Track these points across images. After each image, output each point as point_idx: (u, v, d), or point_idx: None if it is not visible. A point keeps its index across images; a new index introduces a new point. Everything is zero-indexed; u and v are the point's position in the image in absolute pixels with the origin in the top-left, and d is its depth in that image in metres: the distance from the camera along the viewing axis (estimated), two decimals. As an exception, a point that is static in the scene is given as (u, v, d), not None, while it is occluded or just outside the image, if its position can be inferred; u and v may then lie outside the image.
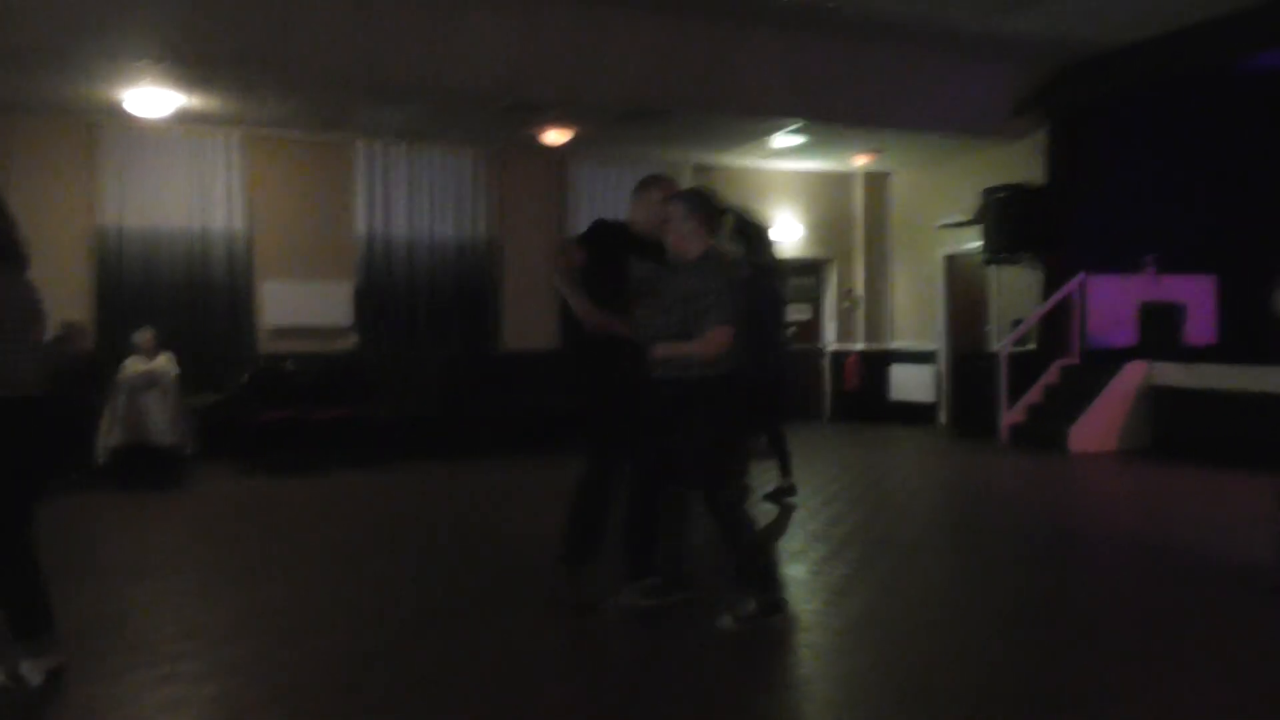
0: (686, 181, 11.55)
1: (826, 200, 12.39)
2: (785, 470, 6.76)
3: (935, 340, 12.10)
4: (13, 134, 8.92)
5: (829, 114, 9.73)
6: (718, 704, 3.19)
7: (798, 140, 10.43)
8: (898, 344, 12.66)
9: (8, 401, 3.24)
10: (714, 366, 3.80)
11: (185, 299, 9.50)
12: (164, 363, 8.08)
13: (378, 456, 8.88)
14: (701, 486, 3.91)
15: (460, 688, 3.32)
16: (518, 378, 10.35)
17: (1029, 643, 3.83)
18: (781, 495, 6.70)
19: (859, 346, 12.59)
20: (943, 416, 11.90)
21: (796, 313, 11.91)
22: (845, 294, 12.62)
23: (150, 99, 8.33)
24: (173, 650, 3.68)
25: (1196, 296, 9.95)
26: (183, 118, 9.11)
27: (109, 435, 7.62)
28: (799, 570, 4.88)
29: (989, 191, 10.55)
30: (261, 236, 9.90)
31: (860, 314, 12.77)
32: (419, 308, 10.48)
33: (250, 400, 8.94)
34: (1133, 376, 9.42)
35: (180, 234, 9.53)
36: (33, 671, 3.29)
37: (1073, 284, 9.98)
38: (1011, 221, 10.32)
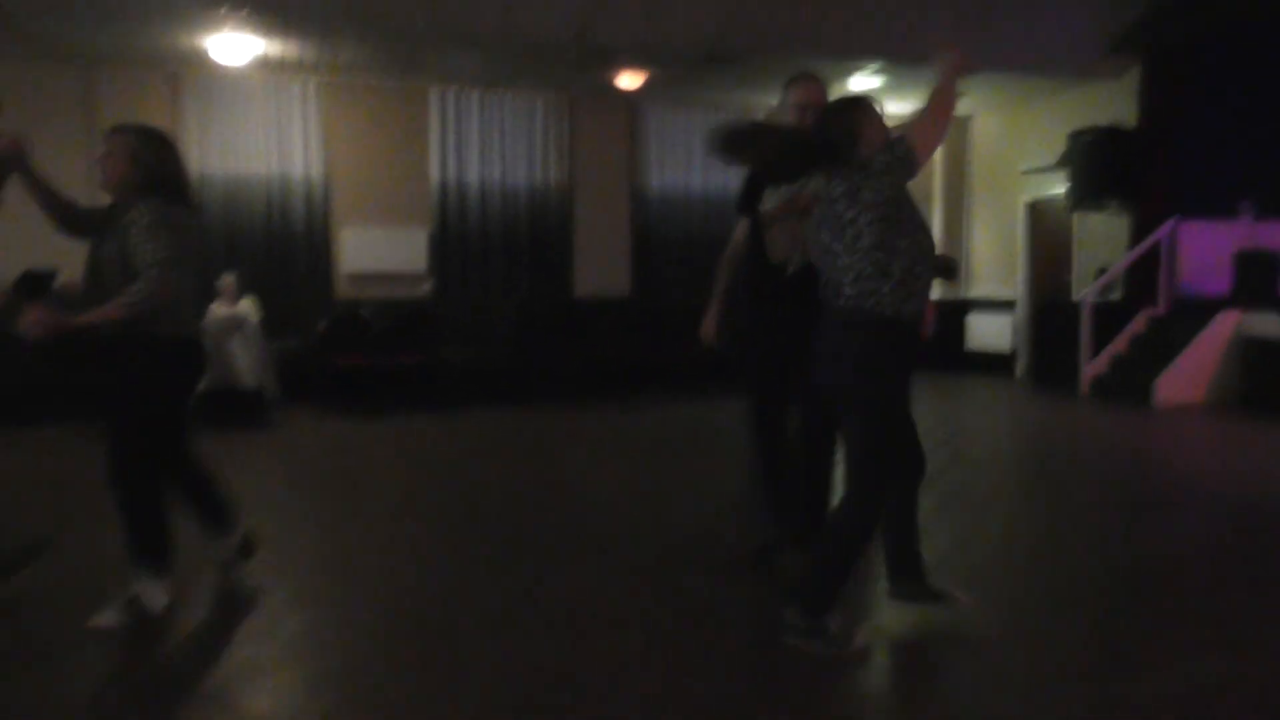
0: (760, 126, 11.38)
1: (905, 145, 12.06)
2: None
3: (1015, 289, 11.80)
4: (99, 85, 9.13)
5: (909, 55, 9.44)
6: (780, 651, 3.19)
7: (876, 82, 10.16)
8: (975, 293, 12.37)
9: (184, 341, 3.49)
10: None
11: (265, 245, 9.71)
12: (247, 307, 8.29)
13: (451, 402, 9.02)
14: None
15: (534, 629, 3.37)
16: (589, 325, 10.39)
17: (1105, 595, 3.76)
18: None
19: (934, 295, 12.31)
20: (1021, 367, 11.63)
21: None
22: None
23: (231, 46, 8.45)
24: (258, 584, 3.81)
25: (1296, 244, 9.51)
26: (262, 65, 9.23)
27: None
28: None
29: (1076, 135, 10.17)
30: (339, 183, 10.04)
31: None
32: (492, 254, 10.55)
33: (328, 345, 9.15)
34: (1224, 327, 9.07)
35: (260, 180, 9.71)
36: (154, 598, 3.45)
37: (1163, 230, 9.60)
38: (1100, 166, 9.94)
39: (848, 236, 3.01)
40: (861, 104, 3.21)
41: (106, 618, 3.36)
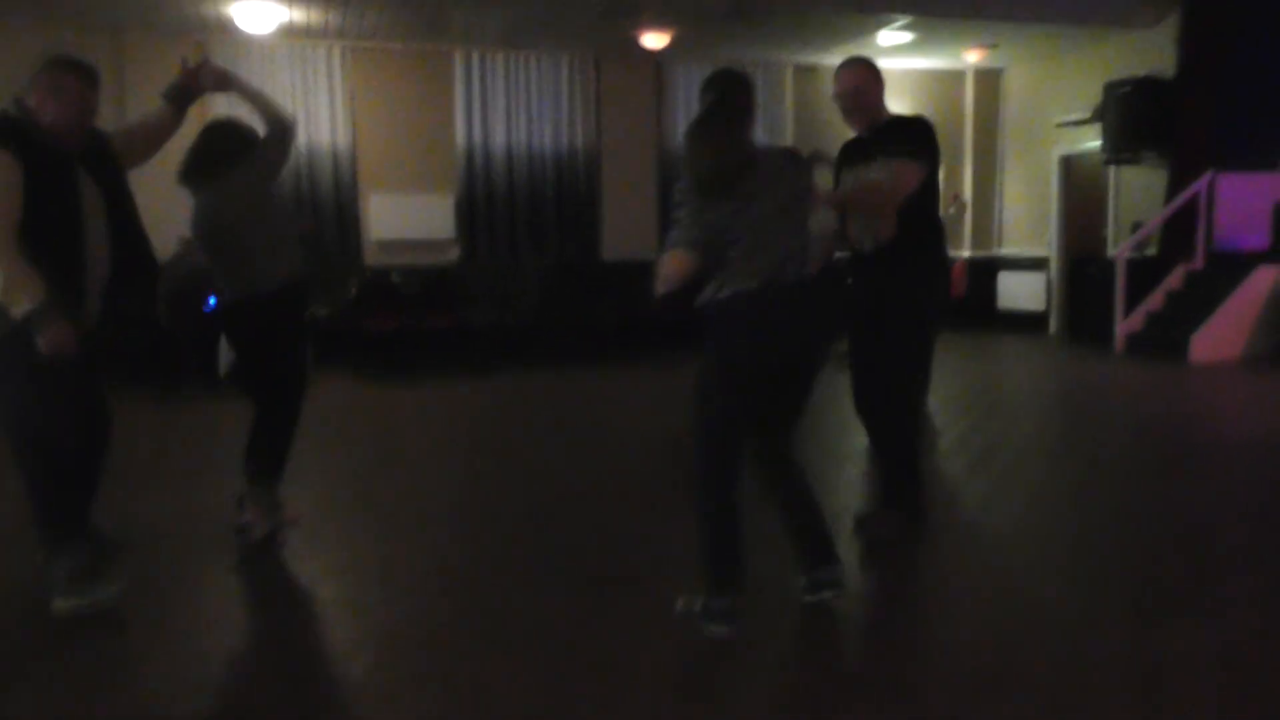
0: (787, 84, 11.24)
1: (935, 100, 11.83)
2: None
3: (1047, 246, 11.63)
4: (125, 52, 9.16)
5: (939, 7, 9.25)
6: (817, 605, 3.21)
7: (906, 37, 9.98)
8: (1007, 250, 12.21)
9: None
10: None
11: (294, 212, 9.74)
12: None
13: (480, 365, 9.07)
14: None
15: (570, 587, 3.41)
16: (616, 286, 10.38)
17: (1139, 549, 3.74)
18: None
19: (965, 253, 12.18)
20: (1054, 325, 11.50)
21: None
22: (952, 199, 12.16)
23: (256, 13, 8.44)
24: (296, 547, 3.88)
25: (1339, 196, 9.29)
26: (288, 32, 9.22)
27: (229, 349, 7.94)
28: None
29: (1112, 86, 9.94)
30: (366, 150, 10.04)
31: (967, 219, 12.32)
32: (518, 218, 10.54)
33: (358, 311, 9.21)
34: (1263, 281, 8.91)
35: (288, 148, 9.71)
36: (259, 523, 3.74)
37: (1200, 183, 9.40)
38: (1136, 117, 9.73)
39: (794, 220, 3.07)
40: (749, 85, 3.23)
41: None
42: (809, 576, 3.13)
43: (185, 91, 3.63)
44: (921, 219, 3.73)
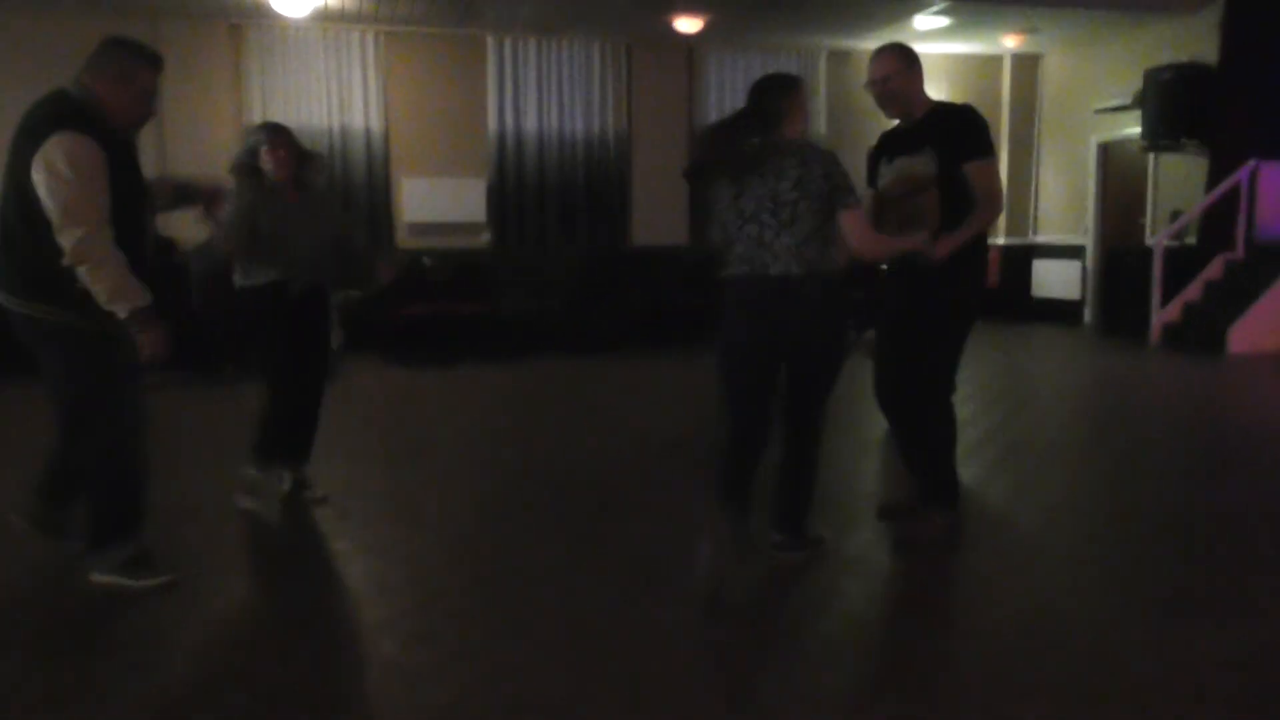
0: (820, 69, 11.14)
1: (971, 86, 11.68)
2: None
3: (1083, 234, 11.47)
4: (161, 38, 9.24)
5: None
6: (827, 605, 3.20)
7: (942, 21, 9.85)
8: (1042, 238, 12.06)
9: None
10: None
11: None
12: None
13: (510, 351, 9.10)
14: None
15: (594, 576, 3.43)
16: (647, 273, 10.37)
17: (1170, 549, 3.69)
18: None
19: (999, 241, 12.04)
20: (1089, 315, 11.36)
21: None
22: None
23: (290, -2, 8.50)
24: (324, 530, 3.93)
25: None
26: (322, 16, 9.27)
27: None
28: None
29: (1153, 72, 9.77)
30: (398, 134, 10.10)
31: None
32: (550, 203, 10.55)
33: (390, 296, 9.27)
34: (1305, 274, 8.75)
35: (321, 132, 9.80)
36: (268, 503, 3.94)
37: (1242, 171, 9.23)
38: (1177, 104, 9.56)
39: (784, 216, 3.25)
40: (792, 86, 3.39)
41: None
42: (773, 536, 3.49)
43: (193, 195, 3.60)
44: (963, 211, 3.59)
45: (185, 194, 3.61)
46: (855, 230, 3.27)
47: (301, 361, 4.15)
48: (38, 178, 2.90)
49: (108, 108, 3.05)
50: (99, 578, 3.22)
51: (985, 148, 3.63)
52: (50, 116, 2.96)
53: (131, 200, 3.10)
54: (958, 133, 3.60)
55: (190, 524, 3.97)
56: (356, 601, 3.30)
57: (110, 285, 2.96)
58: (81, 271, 2.93)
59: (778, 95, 3.30)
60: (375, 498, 4.49)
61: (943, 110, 3.72)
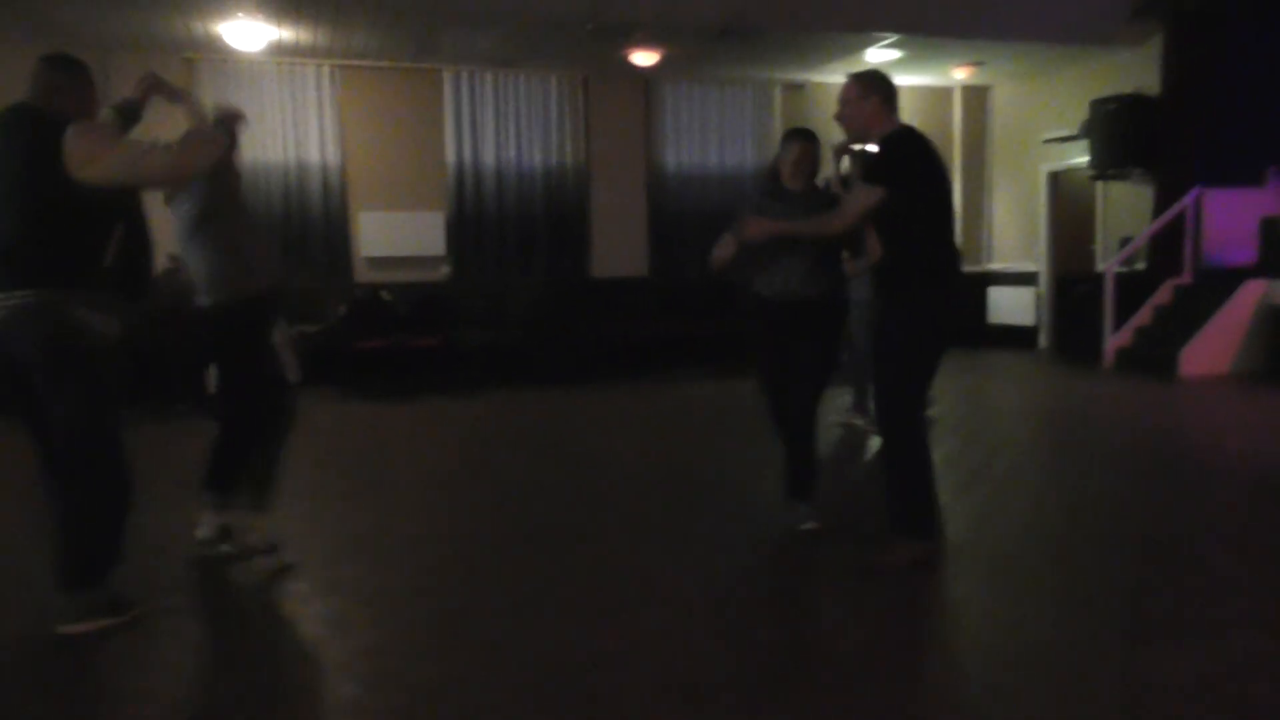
0: (775, 102, 11.28)
1: (923, 117, 11.87)
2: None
3: (1036, 261, 11.68)
4: (113, 71, 9.13)
5: (926, 26, 9.31)
6: (811, 631, 3.18)
7: (893, 55, 10.04)
8: (996, 265, 12.26)
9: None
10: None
11: (283, 231, 9.72)
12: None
13: (470, 383, 9.04)
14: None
15: (559, 609, 3.38)
16: (606, 304, 10.37)
17: (1131, 572, 3.72)
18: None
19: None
20: (1043, 340, 11.54)
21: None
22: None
23: (245, 32, 8.45)
24: (280, 569, 3.84)
25: (1324, 211, 9.36)
26: (277, 51, 9.22)
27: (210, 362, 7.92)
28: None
29: (1098, 103, 10.03)
30: (355, 168, 10.05)
31: (957, 234, 12.36)
32: (509, 236, 10.54)
33: (348, 329, 9.18)
34: (1250, 296, 8.96)
35: (277, 166, 9.72)
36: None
37: (1188, 198, 9.47)
38: (1122, 134, 9.81)
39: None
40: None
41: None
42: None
43: (135, 107, 3.54)
44: (904, 243, 3.68)
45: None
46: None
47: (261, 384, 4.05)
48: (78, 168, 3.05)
49: (69, 114, 3.18)
50: (70, 628, 3.13)
51: (874, 174, 3.71)
52: (43, 118, 3.14)
53: (107, 203, 3.18)
54: (873, 160, 3.79)
55: (153, 561, 3.86)
56: (316, 642, 3.22)
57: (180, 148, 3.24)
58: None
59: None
60: (337, 534, 4.41)
61: (882, 139, 3.77)
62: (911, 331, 3.72)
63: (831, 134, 4.07)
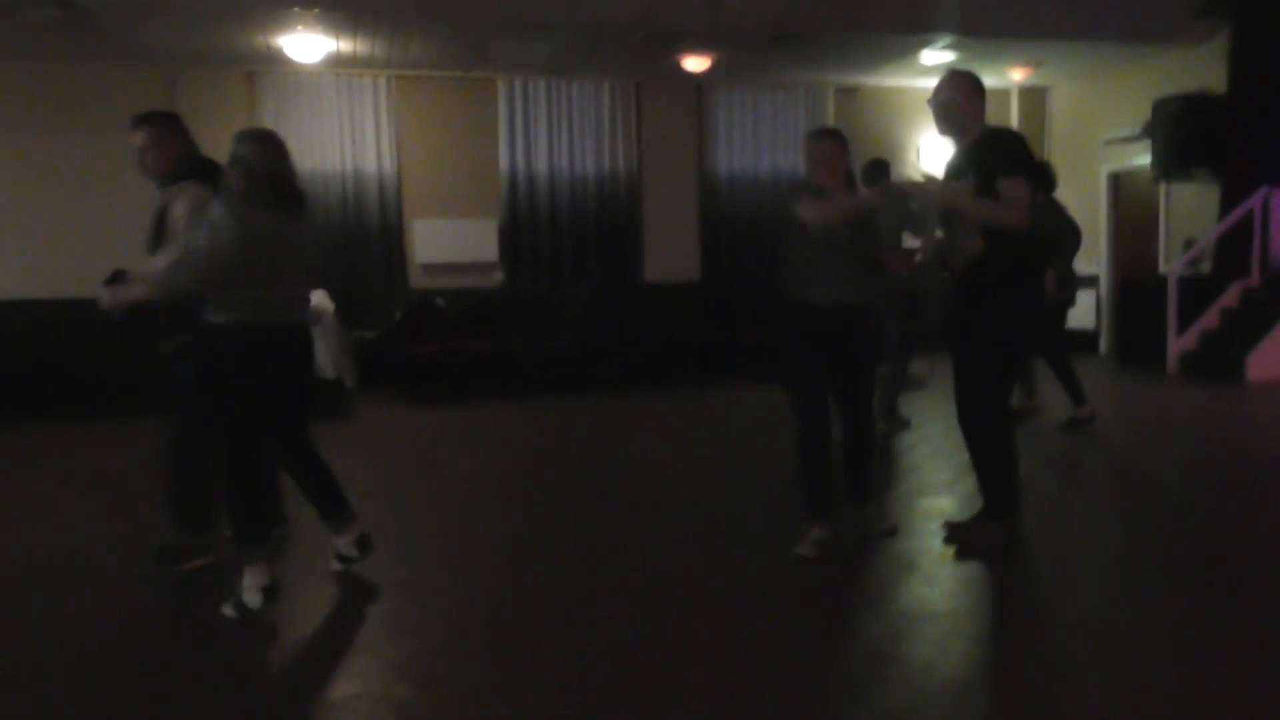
0: (828, 106, 11.21)
1: (979, 119, 11.73)
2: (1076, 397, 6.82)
3: (1097, 264, 11.44)
4: (178, 86, 9.39)
5: (984, 26, 9.18)
6: (835, 631, 3.16)
7: (949, 56, 9.91)
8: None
9: (255, 329, 3.44)
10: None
11: (341, 239, 9.89)
12: (321, 299, 8.43)
13: (523, 389, 9.10)
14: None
15: (608, 616, 3.39)
16: (659, 310, 10.37)
17: (1192, 579, 3.63)
18: (1077, 425, 6.73)
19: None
20: (1104, 345, 11.29)
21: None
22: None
23: (305, 44, 8.63)
24: (340, 570, 3.90)
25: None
26: (335, 62, 9.40)
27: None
28: (947, 503, 4.76)
29: (1161, 103, 9.79)
30: (410, 176, 10.19)
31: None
32: (562, 242, 10.61)
33: (404, 335, 9.29)
34: (1322, 299, 8.69)
35: (335, 176, 9.90)
36: (250, 591, 3.41)
37: (1255, 199, 9.21)
38: (1186, 134, 9.56)
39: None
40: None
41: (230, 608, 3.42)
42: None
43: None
44: (1006, 239, 3.71)
45: None
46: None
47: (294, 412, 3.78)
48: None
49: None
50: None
51: (1008, 165, 3.69)
52: None
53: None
54: (990, 156, 3.73)
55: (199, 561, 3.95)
56: (370, 643, 3.27)
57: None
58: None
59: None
60: (391, 538, 4.47)
61: (984, 135, 3.86)
62: (1011, 325, 3.83)
63: (883, 136, 4.05)
